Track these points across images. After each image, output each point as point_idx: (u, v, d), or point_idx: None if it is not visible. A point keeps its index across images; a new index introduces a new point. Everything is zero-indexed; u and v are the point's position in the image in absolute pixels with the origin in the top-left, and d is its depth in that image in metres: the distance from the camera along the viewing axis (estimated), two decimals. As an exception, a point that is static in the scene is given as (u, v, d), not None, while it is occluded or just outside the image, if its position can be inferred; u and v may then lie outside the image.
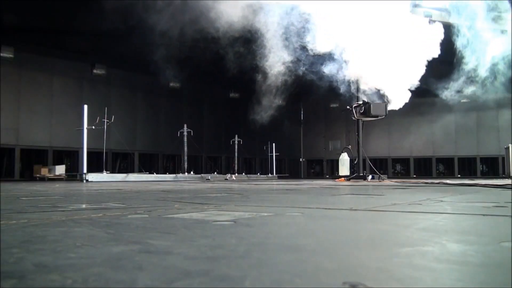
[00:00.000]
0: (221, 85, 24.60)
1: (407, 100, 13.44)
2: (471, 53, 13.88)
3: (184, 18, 12.23)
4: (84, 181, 13.10)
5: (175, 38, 13.19)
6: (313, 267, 1.14)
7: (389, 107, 13.11)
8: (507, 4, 13.48)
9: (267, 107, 17.43)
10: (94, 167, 15.89)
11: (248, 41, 13.25)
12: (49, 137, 18.90)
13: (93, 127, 14.15)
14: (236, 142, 21.77)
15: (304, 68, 13.27)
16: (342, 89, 13.41)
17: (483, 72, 14.60)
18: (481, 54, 13.99)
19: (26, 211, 2.79)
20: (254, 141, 24.49)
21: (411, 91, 13.33)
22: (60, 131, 18.77)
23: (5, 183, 11.53)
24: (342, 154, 15.34)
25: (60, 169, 17.37)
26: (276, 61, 13.11)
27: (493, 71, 14.74)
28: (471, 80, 15.42)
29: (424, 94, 16.12)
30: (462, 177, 21.10)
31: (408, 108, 14.34)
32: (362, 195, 4.86)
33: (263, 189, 6.80)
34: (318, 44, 12.20)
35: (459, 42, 13.74)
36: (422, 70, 12.81)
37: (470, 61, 14.12)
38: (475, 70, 14.61)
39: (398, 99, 13.24)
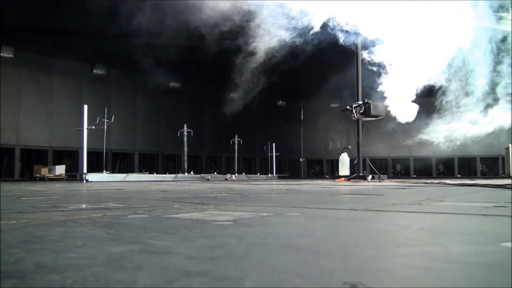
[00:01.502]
0: (221, 85, 24.58)
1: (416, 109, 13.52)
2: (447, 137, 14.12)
3: (177, 16, 12.18)
4: (84, 181, 13.10)
5: (171, 37, 13.14)
6: (313, 267, 1.14)
7: (402, 119, 13.18)
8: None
9: (248, 91, 17.41)
10: (94, 167, 15.90)
11: (239, 32, 13.12)
12: (49, 137, 18.91)
13: (93, 127, 14.15)
14: (236, 142, 21.76)
15: (299, 42, 12.97)
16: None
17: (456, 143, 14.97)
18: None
19: (26, 211, 2.79)
20: (254, 141, 24.48)
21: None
22: (60, 131, 18.77)
23: (5, 183, 11.53)
24: (342, 154, 15.31)
25: (60, 169, 17.38)
26: (267, 42, 12.91)
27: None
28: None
29: (424, 94, 16.13)
30: (462, 177, 21.10)
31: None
32: (362, 195, 4.85)
33: (263, 189, 6.80)
34: (308, 16, 12.00)
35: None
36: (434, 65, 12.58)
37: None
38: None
39: (406, 110, 13.29)
